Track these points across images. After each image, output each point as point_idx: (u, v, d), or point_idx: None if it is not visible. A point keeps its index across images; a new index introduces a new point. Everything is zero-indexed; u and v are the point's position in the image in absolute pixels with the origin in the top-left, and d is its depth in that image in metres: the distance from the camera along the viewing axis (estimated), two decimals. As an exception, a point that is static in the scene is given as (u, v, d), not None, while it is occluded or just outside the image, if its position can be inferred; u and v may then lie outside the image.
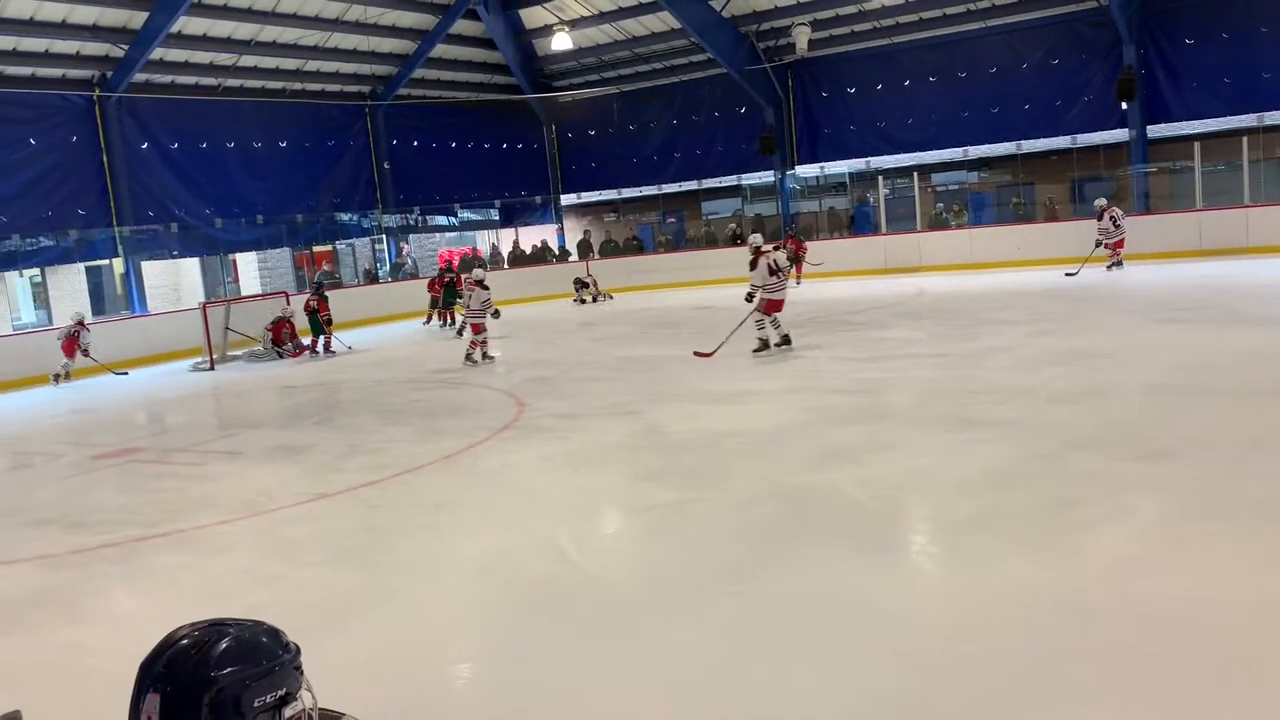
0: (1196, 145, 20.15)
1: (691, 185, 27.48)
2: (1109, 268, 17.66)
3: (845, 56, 23.86)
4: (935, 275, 19.99)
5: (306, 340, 16.28)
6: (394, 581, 5.16)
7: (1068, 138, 22.34)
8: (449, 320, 18.63)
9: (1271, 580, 4.13)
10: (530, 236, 27.41)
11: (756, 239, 12.32)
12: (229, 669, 1.47)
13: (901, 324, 13.36)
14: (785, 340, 11.74)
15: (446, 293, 18.87)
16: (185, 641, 1.51)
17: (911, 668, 3.70)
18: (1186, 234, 18.16)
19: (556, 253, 26.86)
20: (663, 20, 23.31)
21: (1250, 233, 17.97)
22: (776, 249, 12.89)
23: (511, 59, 25.39)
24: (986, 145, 23.34)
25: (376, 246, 25.87)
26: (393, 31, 23.02)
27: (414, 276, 23.94)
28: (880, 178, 24.57)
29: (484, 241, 28.26)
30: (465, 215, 27.64)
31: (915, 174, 23.56)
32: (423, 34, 23.51)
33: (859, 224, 25.65)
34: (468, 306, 13.66)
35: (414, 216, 26.30)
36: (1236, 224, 18.05)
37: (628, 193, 28.64)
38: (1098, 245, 17.68)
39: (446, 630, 4.52)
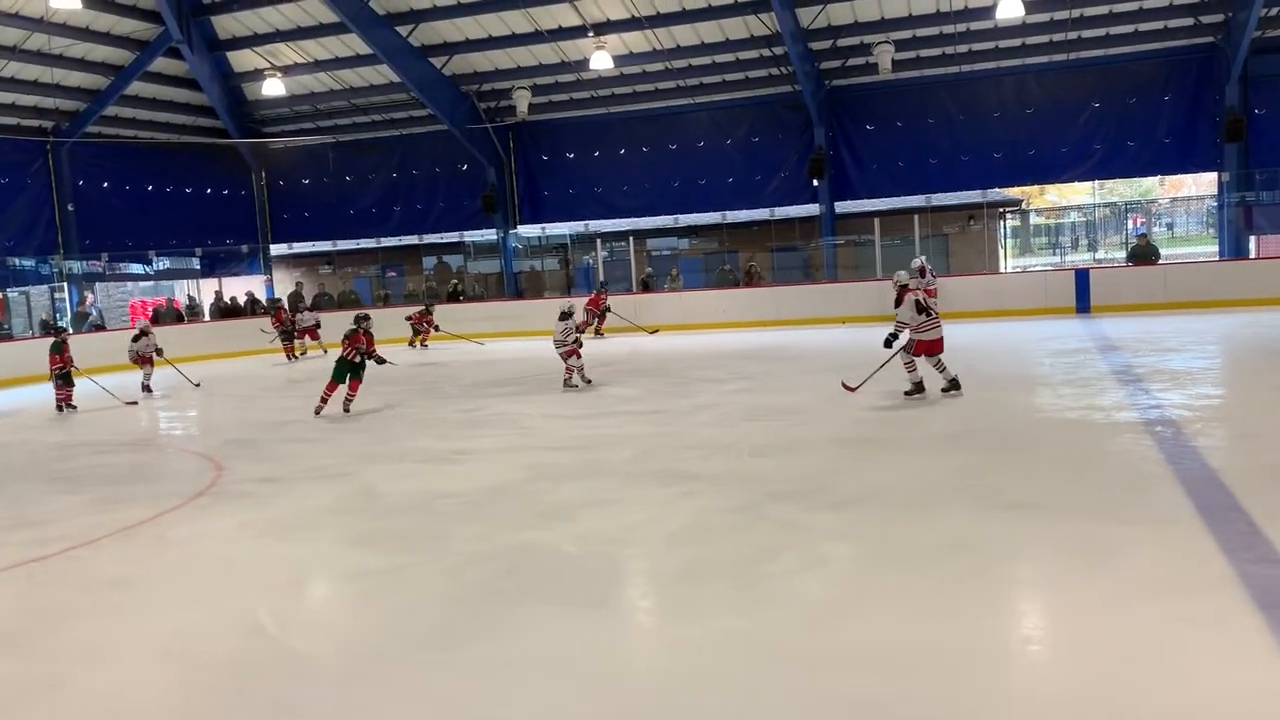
0: (876, 221, 22.33)
1: (412, 240, 27.14)
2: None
3: (564, 122, 24.59)
4: (650, 335, 20.75)
5: None
6: (60, 669, 4.60)
7: (767, 210, 24.13)
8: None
9: (948, 622, 4.51)
10: (235, 288, 25.90)
11: (902, 275, 11.61)
12: None
13: (618, 381, 13.73)
14: (953, 384, 10.47)
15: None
16: None
17: (621, 724, 3.74)
18: (868, 301, 19.96)
19: (265, 305, 25.51)
20: (381, 73, 23.02)
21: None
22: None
23: (218, 101, 24.11)
24: (695, 214, 24.75)
25: (56, 295, 23.48)
26: (81, 65, 21.27)
27: (100, 328, 21.90)
28: (599, 240, 25.34)
29: (182, 292, 26.40)
30: (163, 264, 25.75)
31: (631, 238, 24.50)
32: (117, 70, 21.88)
33: (579, 284, 26.29)
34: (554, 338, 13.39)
35: (103, 263, 24.16)
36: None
37: (344, 245, 27.82)
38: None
39: (122, 721, 4.07)
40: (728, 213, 24.76)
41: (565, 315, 13.39)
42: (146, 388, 15.59)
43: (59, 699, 4.29)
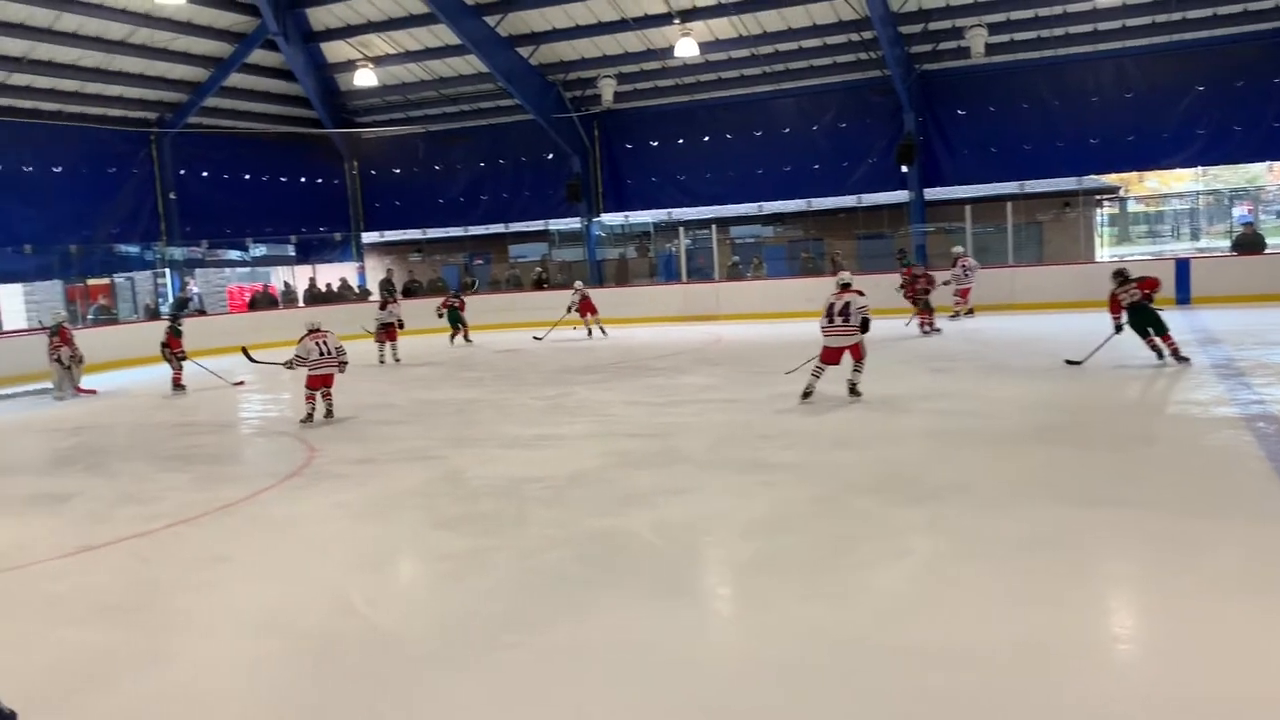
0: (968, 209, 21.82)
1: (498, 228, 27.49)
2: (953, 316, 18.23)
3: (649, 110, 24.59)
4: (731, 324, 20.70)
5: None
6: (163, 640, 4.83)
7: (854, 197, 23.81)
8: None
9: (1029, 616, 4.45)
10: (329, 274, 26.59)
11: (846, 276, 10.87)
12: None
13: (699, 370, 13.75)
14: (850, 389, 10.31)
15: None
16: None
17: (700, 712, 3.77)
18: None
19: (356, 291, 26.14)
20: (470, 63, 23.33)
21: (1015, 290, 19.60)
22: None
23: (312, 92, 24.72)
24: (780, 201, 24.55)
25: (159, 280, 24.42)
26: (183, 58, 21.98)
27: (201, 313, 22.73)
28: (681, 228, 25.33)
29: (278, 278, 27.20)
30: (259, 250, 26.55)
31: (714, 226, 24.42)
32: (216, 62, 22.57)
33: (662, 272, 26.33)
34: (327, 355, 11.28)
35: (203, 250, 25.01)
36: (1002, 282, 19.64)
37: (433, 233, 28.31)
38: (945, 283, 17.98)
39: (220, 691, 4.26)
40: (813, 200, 24.51)
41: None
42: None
43: (164, 668, 4.50)
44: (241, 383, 15.11)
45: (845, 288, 10.37)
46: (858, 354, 10.27)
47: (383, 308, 18.17)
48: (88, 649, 4.78)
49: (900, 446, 8.12)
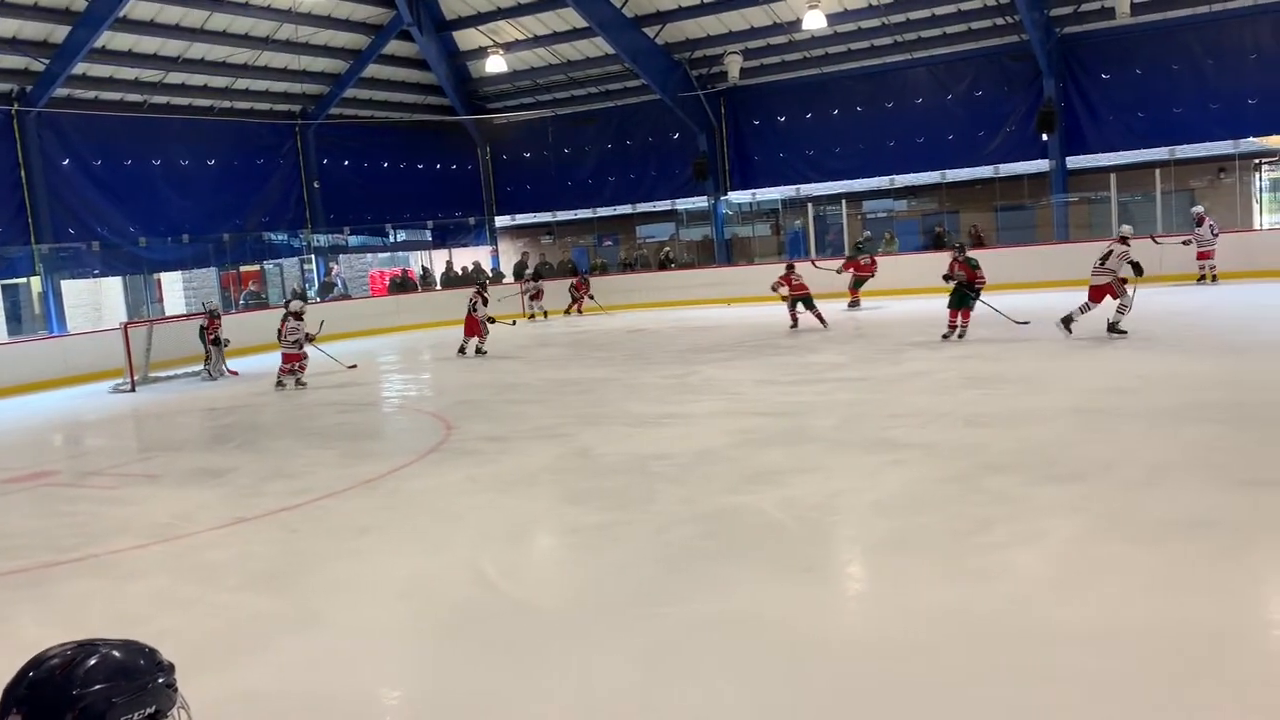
0: (1113, 176, 20.85)
1: (626, 209, 27.68)
2: (1200, 280, 17.81)
3: (776, 85, 24.30)
4: (862, 300, 20.29)
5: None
6: (313, 606, 5.09)
7: (990, 167, 23.01)
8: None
9: (1175, 601, 4.27)
10: (464, 258, 27.30)
11: (1126, 229, 13.34)
12: (93, 687, 1.45)
13: (829, 348, 13.58)
14: (1109, 327, 12.25)
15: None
16: (52, 661, 1.49)
17: (829, 690, 3.76)
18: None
19: (490, 275, 26.73)
20: (597, 45, 23.50)
21: (1164, 261, 18.59)
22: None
23: (445, 80, 25.36)
24: (912, 174, 23.91)
25: (306, 267, 25.53)
26: (324, 51, 22.87)
27: (346, 297, 23.68)
28: (810, 204, 24.96)
29: (416, 262, 28.08)
30: (399, 236, 27.46)
31: (844, 201, 23.99)
32: (355, 54, 23.40)
33: (790, 249, 26.05)
34: (283, 338, 14.21)
35: (345, 237, 26.02)
36: (1152, 253, 18.63)
37: (562, 215, 28.71)
38: (1185, 242, 17.80)
39: (366, 654, 4.47)
40: (947, 172, 23.80)
41: (297, 315, 14.20)
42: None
43: (314, 632, 4.75)
44: (355, 366, 15.62)
45: (1122, 239, 12.65)
46: (1112, 294, 12.14)
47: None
48: (244, 613, 5.08)
49: (1040, 425, 7.85)
